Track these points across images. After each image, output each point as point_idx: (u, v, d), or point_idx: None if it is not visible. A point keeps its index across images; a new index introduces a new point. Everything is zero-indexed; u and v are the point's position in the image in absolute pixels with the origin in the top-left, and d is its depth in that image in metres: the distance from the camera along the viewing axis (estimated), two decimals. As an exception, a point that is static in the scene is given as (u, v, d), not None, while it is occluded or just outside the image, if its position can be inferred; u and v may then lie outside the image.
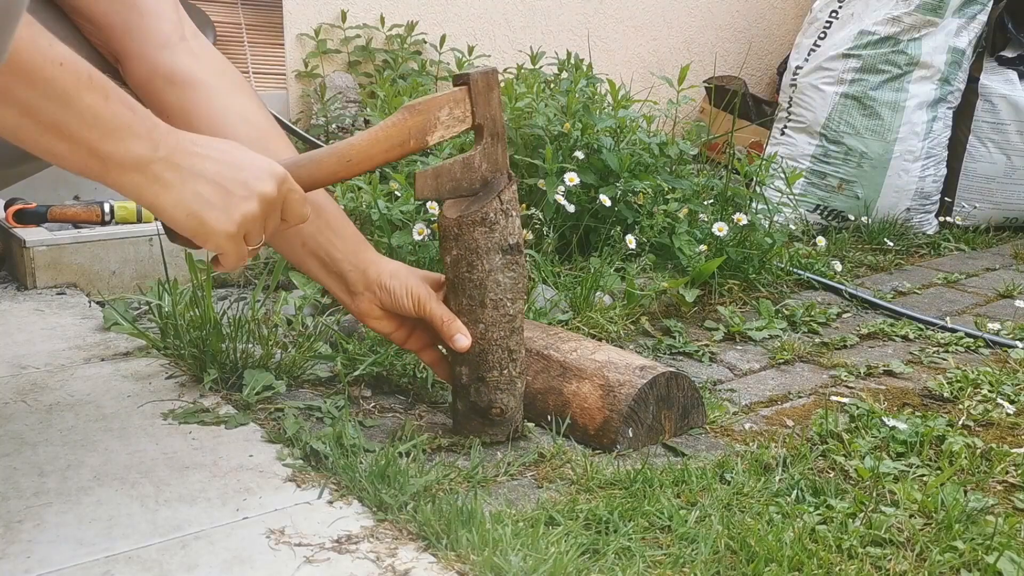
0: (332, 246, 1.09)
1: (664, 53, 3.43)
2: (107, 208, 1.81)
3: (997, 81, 2.69)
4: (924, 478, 1.11)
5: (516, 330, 1.12)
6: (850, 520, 0.99)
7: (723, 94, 2.99)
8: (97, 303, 1.60)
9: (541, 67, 2.64)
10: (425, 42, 2.73)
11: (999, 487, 1.12)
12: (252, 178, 0.86)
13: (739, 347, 1.65)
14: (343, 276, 1.10)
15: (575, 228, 1.95)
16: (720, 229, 1.85)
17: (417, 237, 1.59)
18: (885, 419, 1.26)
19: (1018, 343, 1.69)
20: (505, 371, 1.12)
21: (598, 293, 1.67)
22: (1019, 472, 1.15)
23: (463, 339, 1.09)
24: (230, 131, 1.01)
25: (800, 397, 1.42)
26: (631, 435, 1.17)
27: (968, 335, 1.73)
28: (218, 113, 1.02)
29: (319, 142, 2.26)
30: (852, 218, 2.60)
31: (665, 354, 1.58)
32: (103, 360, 1.36)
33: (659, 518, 0.97)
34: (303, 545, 0.89)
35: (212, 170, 0.84)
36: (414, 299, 1.10)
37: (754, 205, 2.04)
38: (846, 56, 2.61)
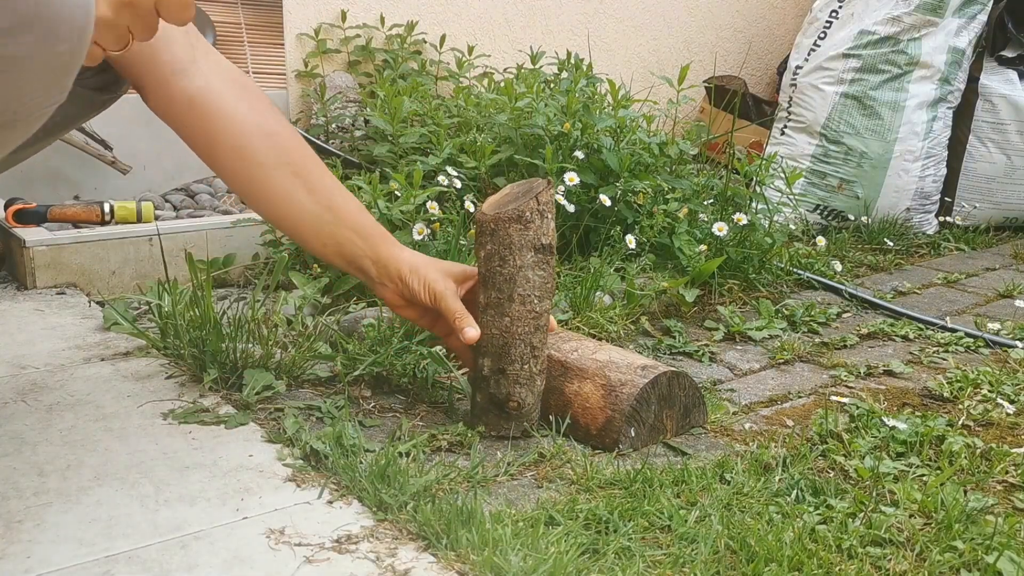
0: (352, 244, 1.14)
1: (664, 53, 3.43)
2: (107, 208, 1.81)
3: (997, 81, 2.69)
4: (924, 478, 1.11)
5: (541, 328, 1.15)
6: (850, 520, 0.99)
7: (723, 94, 2.99)
8: (97, 303, 1.60)
9: (541, 67, 2.64)
10: (425, 42, 2.73)
11: (999, 487, 1.12)
12: None
13: (739, 347, 1.65)
14: (365, 271, 1.16)
15: (575, 228, 1.95)
16: (720, 229, 1.85)
17: (417, 237, 1.59)
18: (885, 419, 1.26)
19: (1018, 343, 1.69)
20: (526, 366, 1.15)
21: (598, 293, 1.67)
22: (1019, 472, 1.15)
23: (471, 331, 1.13)
24: (246, 143, 1.07)
25: (800, 397, 1.42)
26: (633, 434, 1.17)
27: (968, 335, 1.73)
28: (236, 130, 1.07)
29: (319, 142, 2.26)
30: (852, 218, 2.60)
31: (665, 354, 1.58)
32: (103, 360, 1.36)
33: (659, 518, 0.97)
34: (303, 545, 0.89)
35: None
36: (430, 294, 1.15)
37: (754, 205, 2.04)
38: (846, 56, 2.61)
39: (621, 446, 1.16)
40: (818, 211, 2.63)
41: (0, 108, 0.71)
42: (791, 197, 2.21)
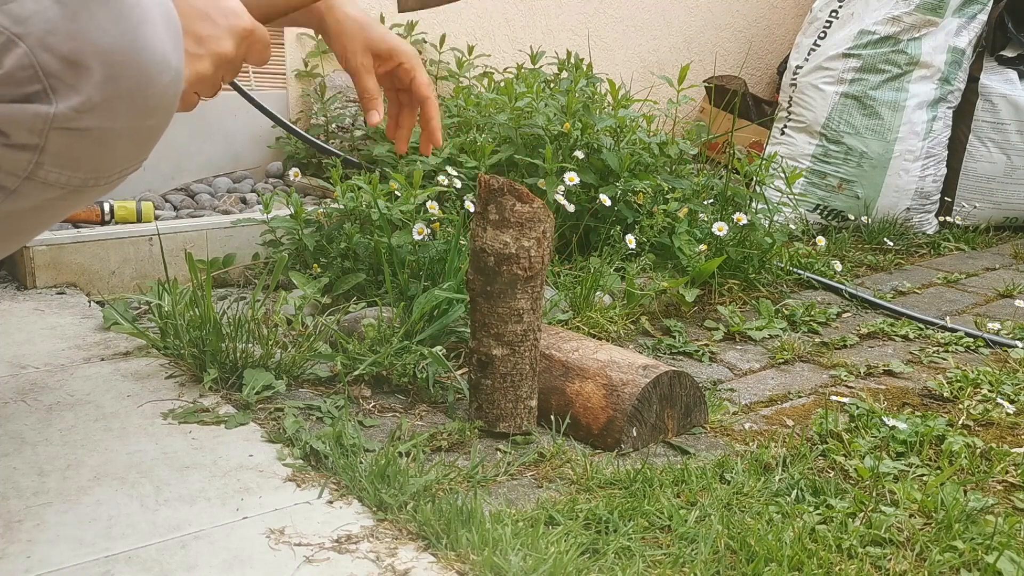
0: (293, 18, 1.12)
1: (664, 53, 3.43)
2: (107, 208, 1.81)
3: (997, 81, 2.69)
4: (924, 478, 1.11)
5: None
6: (850, 520, 0.99)
7: (723, 94, 2.99)
8: (97, 303, 1.60)
9: (541, 67, 2.63)
10: (425, 42, 2.73)
11: (999, 487, 1.12)
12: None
13: (739, 347, 1.65)
14: (315, 29, 1.17)
15: (575, 228, 1.95)
16: (720, 229, 1.85)
17: (417, 237, 1.59)
18: (885, 419, 1.26)
19: (1018, 343, 1.69)
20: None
21: (598, 293, 1.67)
22: (1019, 472, 1.15)
23: (375, 115, 1.12)
24: None
25: (800, 397, 1.42)
26: (635, 434, 1.17)
27: (968, 335, 1.73)
28: None
29: (319, 142, 2.26)
30: (852, 218, 2.60)
31: (665, 354, 1.58)
32: (103, 360, 1.36)
33: (659, 518, 0.97)
34: (303, 545, 0.89)
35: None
36: (347, 66, 1.13)
37: (754, 205, 2.04)
38: (846, 56, 2.61)
39: (623, 446, 1.16)
40: (818, 211, 2.63)
41: (85, 174, 0.74)
42: (791, 197, 2.21)
